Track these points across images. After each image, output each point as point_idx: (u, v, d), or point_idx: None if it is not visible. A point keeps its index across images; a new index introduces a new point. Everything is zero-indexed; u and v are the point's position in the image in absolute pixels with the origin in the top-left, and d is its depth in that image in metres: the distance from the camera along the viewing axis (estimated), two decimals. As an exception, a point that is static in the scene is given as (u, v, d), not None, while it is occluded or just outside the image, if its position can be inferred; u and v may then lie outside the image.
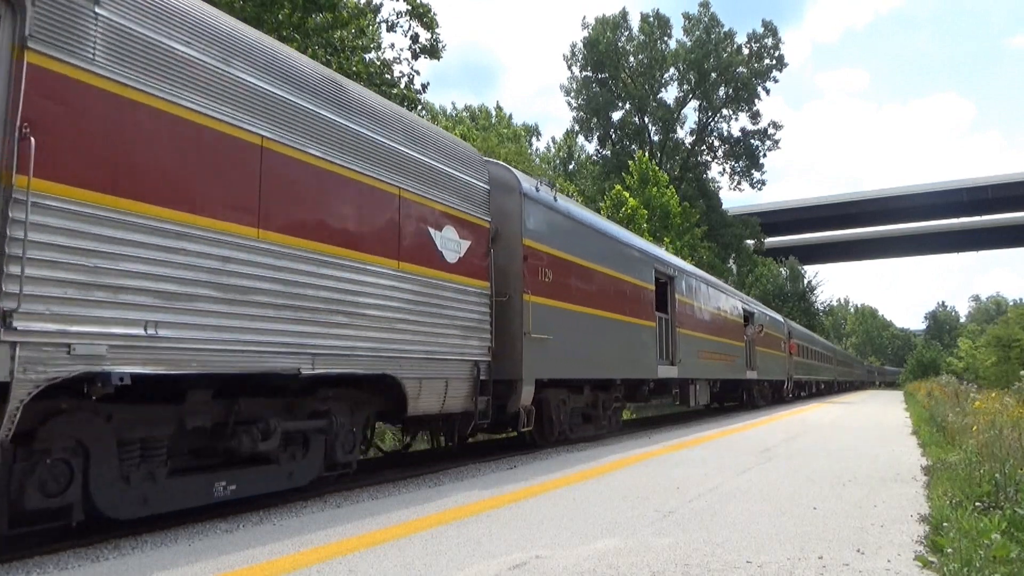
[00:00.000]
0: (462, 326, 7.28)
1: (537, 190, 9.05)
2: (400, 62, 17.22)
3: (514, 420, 8.38)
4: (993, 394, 13.92)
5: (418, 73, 17.54)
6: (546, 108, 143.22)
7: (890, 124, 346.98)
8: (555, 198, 9.60)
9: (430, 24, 16.91)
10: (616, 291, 11.15)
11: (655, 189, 33.59)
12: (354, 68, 14.81)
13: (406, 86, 17.02)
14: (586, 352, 10.00)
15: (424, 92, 17.68)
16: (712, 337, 16.64)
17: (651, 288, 12.66)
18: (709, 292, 17.20)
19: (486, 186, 8.06)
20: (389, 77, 16.70)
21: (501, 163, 9.34)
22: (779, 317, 28.12)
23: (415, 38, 17.04)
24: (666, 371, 13.18)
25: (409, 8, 16.83)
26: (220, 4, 10.04)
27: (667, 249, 24.13)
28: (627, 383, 11.95)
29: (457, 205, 7.45)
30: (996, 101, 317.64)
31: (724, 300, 18.64)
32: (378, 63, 16.62)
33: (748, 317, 21.31)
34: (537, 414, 8.96)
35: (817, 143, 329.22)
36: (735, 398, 21.72)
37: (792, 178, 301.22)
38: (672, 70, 48.96)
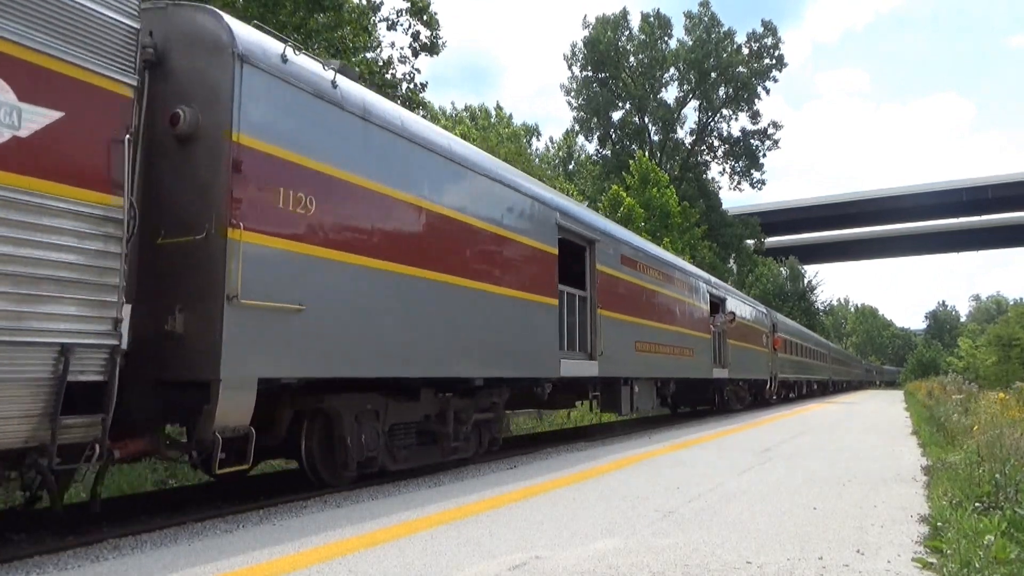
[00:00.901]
0: (18, 275, 3.70)
1: (284, 60, 5.40)
2: (403, 61, 17.22)
3: (208, 455, 4.80)
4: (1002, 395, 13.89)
5: (419, 71, 17.52)
6: (546, 108, 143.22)
7: (890, 124, 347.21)
8: (334, 82, 5.87)
9: (431, 22, 16.91)
10: (478, 248, 7.52)
11: (655, 190, 33.60)
12: (357, 69, 14.80)
13: (408, 88, 17.02)
14: (402, 335, 6.30)
15: (423, 91, 17.66)
16: (659, 325, 12.85)
17: (551, 251, 9.09)
18: (656, 267, 13.28)
19: (131, 23, 4.38)
20: (390, 77, 16.69)
21: (201, 4, 5.48)
22: (761, 307, 24.32)
23: (416, 36, 17.05)
24: (577, 367, 9.60)
25: (409, 6, 16.83)
26: (222, 5, 10.04)
27: (668, 249, 23.96)
28: (511, 384, 8.55)
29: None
30: (996, 101, 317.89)
31: (680, 280, 14.73)
32: (379, 64, 16.62)
33: (718, 304, 17.68)
34: (324, 435, 6.19)
35: (817, 143, 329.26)
36: (704, 401, 18.47)
37: (792, 178, 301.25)
38: (672, 70, 49.02)
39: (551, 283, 9.05)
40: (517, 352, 8.24)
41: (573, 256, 10.11)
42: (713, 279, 18.63)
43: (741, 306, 20.30)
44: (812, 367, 35.16)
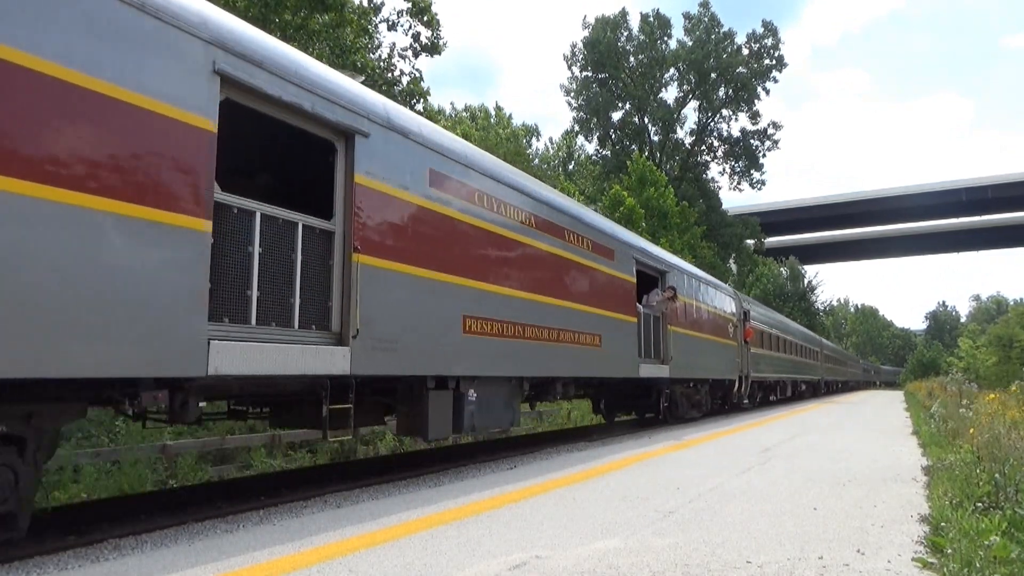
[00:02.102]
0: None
1: None
2: (403, 57, 17.23)
3: None
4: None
5: (420, 72, 17.52)
6: (545, 109, 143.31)
7: (889, 124, 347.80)
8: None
9: (432, 23, 16.93)
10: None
11: (652, 189, 33.61)
12: (359, 64, 14.81)
13: (412, 81, 17.02)
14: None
15: (426, 94, 17.67)
16: (522, 294, 8.26)
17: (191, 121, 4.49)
18: (514, 201, 8.30)
19: None
20: (390, 76, 16.71)
21: None
22: (728, 290, 19.39)
23: (416, 36, 17.07)
24: (308, 359, 5.28)
25: (410, 7, 16.85)
26: (227, 6, 10.05)
27: (667, 249, 23.77)
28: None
29: None
30: (995, 101, 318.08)
31: (579, 234, 9.86)
32: (380, 64, 16.63)
33: (656, 277, 13.52)
34: None
35: (816, 143, 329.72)
36: (642, 407, 14.00)
37: (792, 178, 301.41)
38: (672, 70, 49.06)
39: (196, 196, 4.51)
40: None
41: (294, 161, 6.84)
42: (652, 248, 13.95)
43: (694, 284, 15.62)
44: (800, 365, 30.44)
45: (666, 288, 13.47)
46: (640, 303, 12.39)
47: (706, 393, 16.27)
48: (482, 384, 7.56)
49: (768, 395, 25.00)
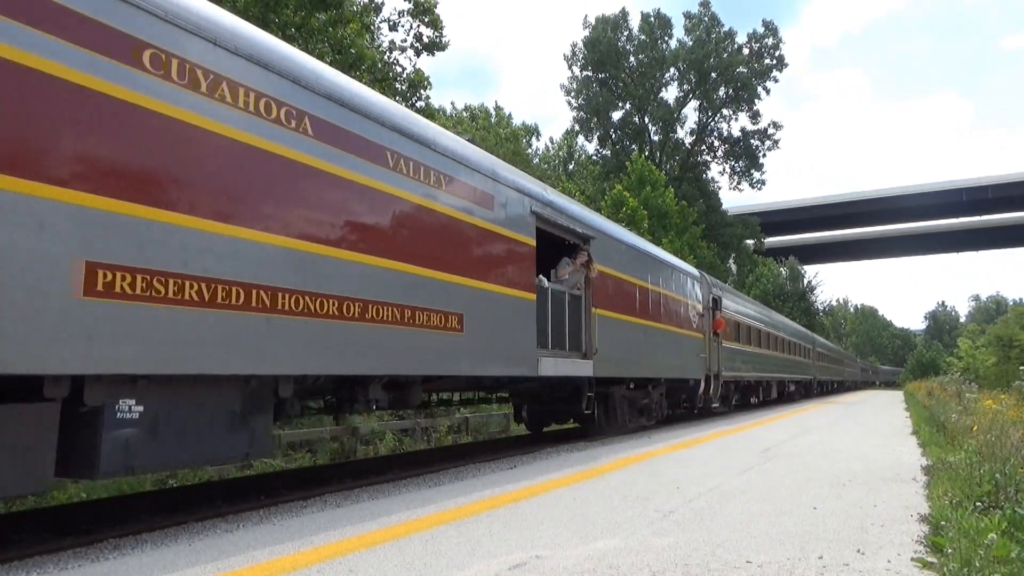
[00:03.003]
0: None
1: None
2: (404, 54, 17.22)
3: None
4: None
5: (421, 71, 17.49)
6: (544, 109, 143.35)
7: (889, 124, 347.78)
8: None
9: (435, 23, 16.92)
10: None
11: (649, 188, 33.61)
12: (361, 62, 14.80)
13: (415, 73, 16.99)
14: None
15: (429, 88, 17.63)
16: (268, 239, 4.98)
17: None
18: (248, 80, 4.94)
19: None
20: (391, 74, 16.71)
21: None
22: (691, 269, 16.13)
23: (419, 36, 17.07)
24: None
25: (411, 7, 16.84)
26: (226, 4, 10.04)
27: (666, 248, 23.63)
28: None
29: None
30: (994, 101, 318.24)
31: (402, 151, 6.50)
32: (382, 64, 16.63)
33: (578, 242, 10.15)
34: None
35: (816, 143, 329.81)
36: (568, 413, 11.23)
37: (792, 178, 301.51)
38: (672, 70, 49.05)
39: None
40: None
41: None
42: (568, 204, 10.33)
43: (640, 259, 12.16)
44: (788, 364, 27.32)
45: (578, 255, 9.81)
46: (555, 277, 9.73)
47: (660, 397, 13.32)
48: (163, 391, 4.41)
49: (748, 397, 22.02)
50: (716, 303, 17.23)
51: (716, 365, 16.52)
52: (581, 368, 9.69)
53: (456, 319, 7.03)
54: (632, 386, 12.07)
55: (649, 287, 12.53)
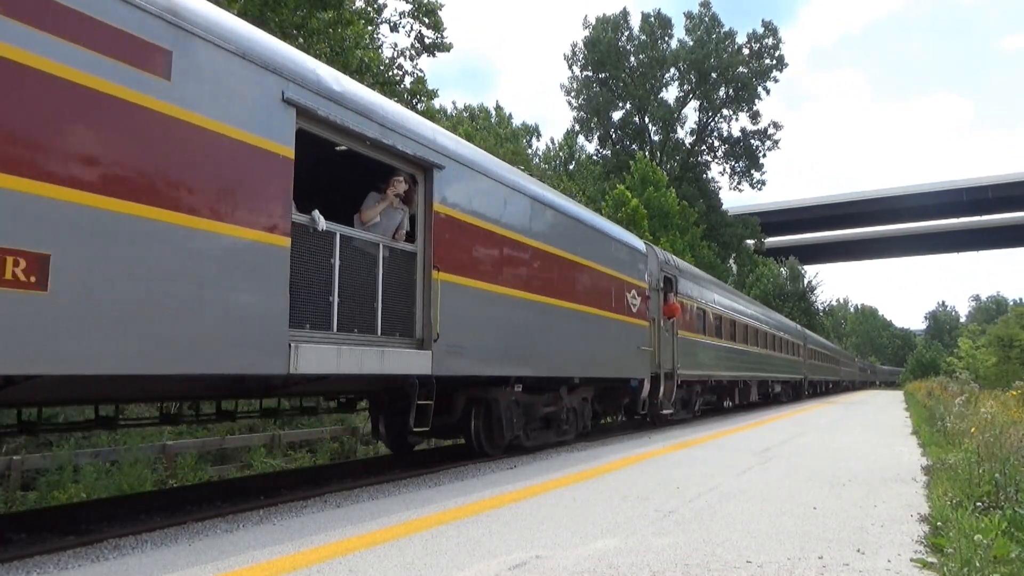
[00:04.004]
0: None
1: None
2: (402, 54, 17.22)
3: None
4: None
5: (423, 72, 17.51)
6: (543, 110, 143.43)
7: (889, 125, 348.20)
8: None
9: (436, 25, 16.92)
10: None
11: (652, 189, 33.63)
12: (363, 59, 14.79)
13: (416, 80, 16.98)
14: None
15: (433, 98, 17.61)
16: None
17: None
18: None
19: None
20: (393, 75, 16.71)
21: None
22: (630, 237, 12.66)
23: (420, 37, 17.07)
24: None
25: (412, 8, 16.84)
26: (226, 5, 10.05)
27: (667, 249, 23.49)
28: None
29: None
30: (994, 102, 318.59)
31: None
32: (383, 64, 16.63)
33: (401, 167, 6.69)
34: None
35: (816, 143, 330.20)
36: (444, 428, 8.34)
37: (792, 178, 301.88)
38: (673, 70, 49.04)
39: None
40: None
41: None
42: (367, 96, 6.45)
43: (533, 209, 8.81)
44: (772, 361, 23.91)
45: (392, 182, 6.61)
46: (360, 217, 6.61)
47: (583, 403, 10.48)
48: None
49: (722, 400, 18.89)
50: (670, 284, 14.13)
51: (670, 361, 13.43)
52: (407, 362, 6.32)
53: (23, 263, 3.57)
54: (520, 388, 8.67)
55: (556, 252, 9.09)
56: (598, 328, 10.32)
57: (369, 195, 6.70)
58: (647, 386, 12.22)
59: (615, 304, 10.94)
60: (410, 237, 6.75)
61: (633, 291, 11.73)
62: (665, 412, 13.31)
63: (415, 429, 6.82)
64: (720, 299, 18.47)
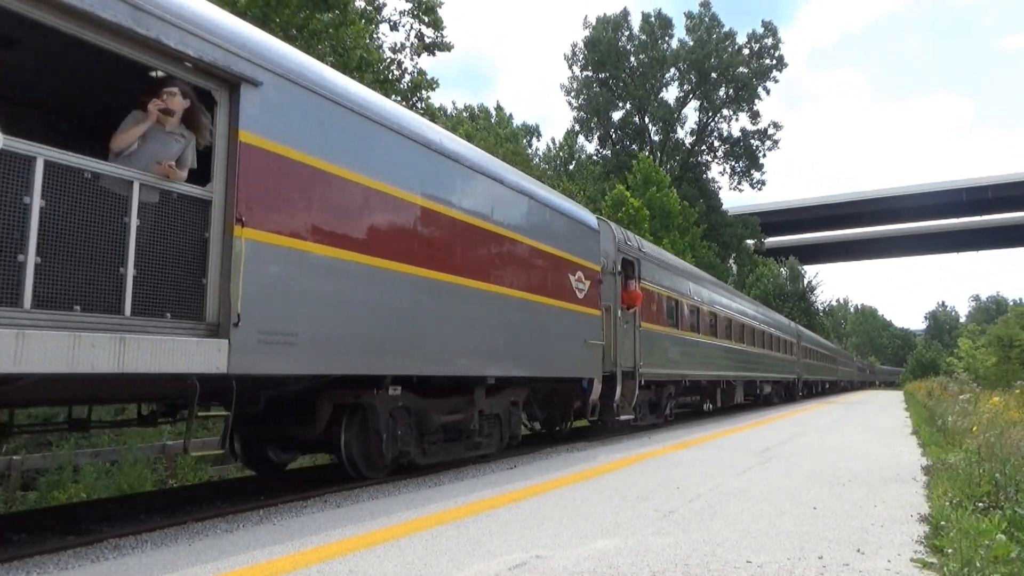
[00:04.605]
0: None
1: None
2: (400, 50, 17.22)
3: None
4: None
5: (423, 71, 17.49)
6: (542, 111, 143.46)
7: (889, 125, 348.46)
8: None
9: (435, 23, 16.93)
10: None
11: (654, 189, 33.63)
12: (363, 56, 14.78)
13: (418, 74, 16.98)
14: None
15: (435, 88, 17.58)
16: None
17: None
18: None
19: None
20: (392, 74, 16.71)
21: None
22: (583, 213, 10.74)
23: (420, 36, 17.08)
24: None
25: (412, 7, 16.84)
26: (227, 5, 10.04)
27: (667, 249, 23.43)
28: None
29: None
30: (994, 102, 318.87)
31: None
32: (383, 63, 16.63)
33: (180, 76, 4.59)
34: None
35: (816, 143, 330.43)
36: (305, 441, 6.82)
37: (792, 178, 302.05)
38: (673, 70, 49.04)
39: None
40: None
41: None
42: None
43: (410, 152, 6.58)
44: (760, 360, 21.97)
45: (162, 94, 4.66)
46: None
47: (508, 409, 8.63)
48: None
49: (703, 402, 16.94)
50: (631, 268, 12.09)
51: (630, 357, 11.48)
52: (180, 355, 4.40)
53: None
54: (400, 390, 6.70)
55: (460, 218, 7.16)
56: (527, 316, 8.37)
57: (131, 114, 4.73)
58: (598, 387, 10.22)
59: (553, 288, 9.01)
60: (202, 179, 4.74)
61: (579, 273, 9.75)
62: (624, 417, 11.09)
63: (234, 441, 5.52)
64: (697, 289, 16.29)
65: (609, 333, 10.80)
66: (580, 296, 9.77)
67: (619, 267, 11.57)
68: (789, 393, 28.01)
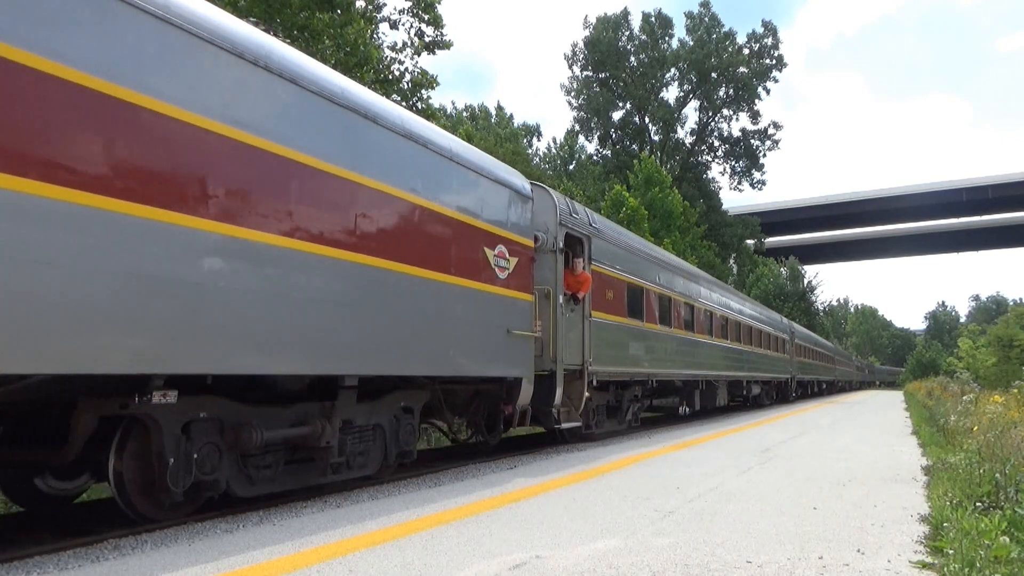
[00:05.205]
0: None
1: None
2: (405, 53, 17.22)
3: None
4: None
5: (423, 70, 17.47)
6: (541, 111, 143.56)
7: (889, 125, 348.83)
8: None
9: (435, 21, 16.92)
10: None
11: (656, 189, 33.63)
12: (368, 63, 14.79)
13: (420, 74, 16.97)
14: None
15: (435, 87, 17.55)
16: None
17: None
18: None
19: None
20: (391, 73, 16.72)
21: None
22: (505, 171, 8.63)
23: (420, 34, 17.08)
24: None
25: (411, 5, 16.84)
26: (228, 6, 10.05)
27: (668, 249, 23.38)
28: None
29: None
30: (992, 102, 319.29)
31: None
32: (383, 63, 16.63)
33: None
34: None
35: (816, 144, 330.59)
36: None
37: (792, 178, 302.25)
38: (673, 70, 49.05)
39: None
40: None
41: None
42: None
43: (217, 60, 4.67)
44: (745, 358, 20.13)
45: None
46: None
47: (391, 419, 6.70)
48: None
49: (682, 403, 15.33)
50: (579, 247, 10.11)
51: (577, 352, 9.69)
52: None
53: None
54: (170, 396, 4.66)
55: (292, 157, 5.22)
56: (414, 298, 6.43)
57: None
58: (527, 388, 8.27)
59: (458, 263, 7.10)
60: None
61: (501, 248, 7.92)
62: (568, 426, 9.31)
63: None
64: (669, 276, 14.20)
65: (547, 323, 9.06)
66: (502, 276, 7.92)
67: (561, 244, 9.47)
68: (782, 394, 26.46)
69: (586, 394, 9.79)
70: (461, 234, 7.26)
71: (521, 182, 8.83)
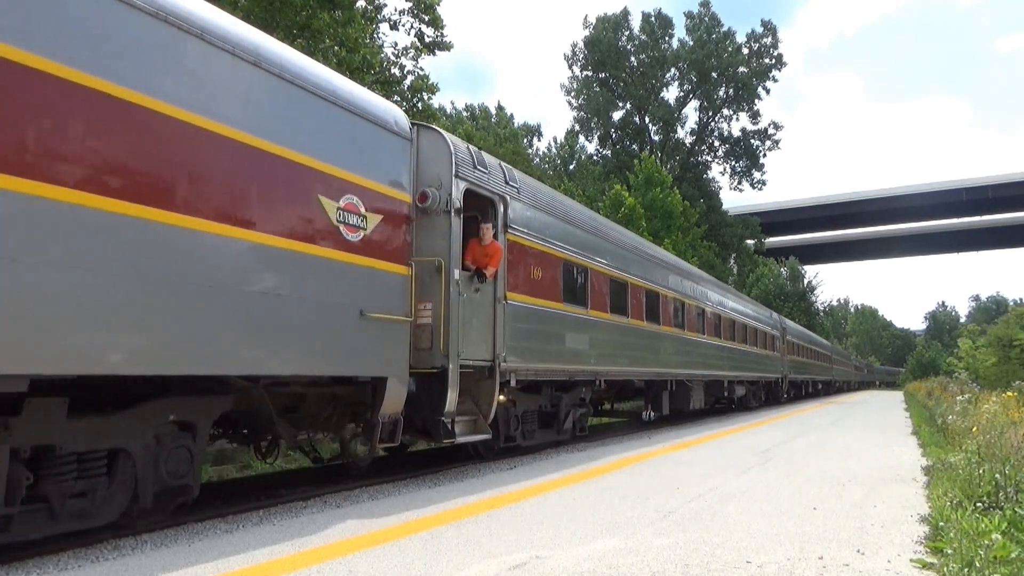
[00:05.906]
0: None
1: None
2: (403, 53, 17.22)
3: None
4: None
5: (424, 71, 17.50)
6: (540, 112, 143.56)
7: (888, 126, 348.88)
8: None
9: (435, 22, 16.92)
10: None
11: (658, 190, 33.62)
12: (365, 56, 14.78)
13: (419, 78, 16.99)
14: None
15: (435, 92, 17.58)
16: None
17: None
18: None
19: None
20: (393, 75, 16.72)
21: None
22: (383, 109, 6.33)
23: (420, 35, 17.08)
24: None
25: (411, 6, 16.84)
26: (229, 7, 10.05)
27: (669, 249, 23.31)
28: None
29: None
30: (992, 102, 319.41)
31: None
32: (384, 63, 16.63)
33: None
34: None
35: (817, 144, 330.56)
36: None
37: (792, 178, 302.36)
38: (673, 70, 49.02)
39: None
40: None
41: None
42: None
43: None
44: (727, 355, 18.10)
45: None
46: None
47: (147, 445, 4.49)
48: None
49: (647, 407, 13.32)
50: (490, 209, 7.99)
51: (485, 345, 7.58)
52: None
53: None
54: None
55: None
56: (173, 259, 4.28)
57: None
58: (399, 391, 6.18)
59: (266, 214, 4.95)
60: None
61: (353, 199, 5.80)
62: (469, 439, 7.33)
63: None
64: (624, 256, 11.76)
65: (439, 304, 6.91)
66: (352, 238, 5.76)
67: (459, 204, 7.24)
68: (772, 395, 24.43)
69: (499, 397, 7.68)
70: (275, 174, 5.04)
71: (391, 114, 6.45)
